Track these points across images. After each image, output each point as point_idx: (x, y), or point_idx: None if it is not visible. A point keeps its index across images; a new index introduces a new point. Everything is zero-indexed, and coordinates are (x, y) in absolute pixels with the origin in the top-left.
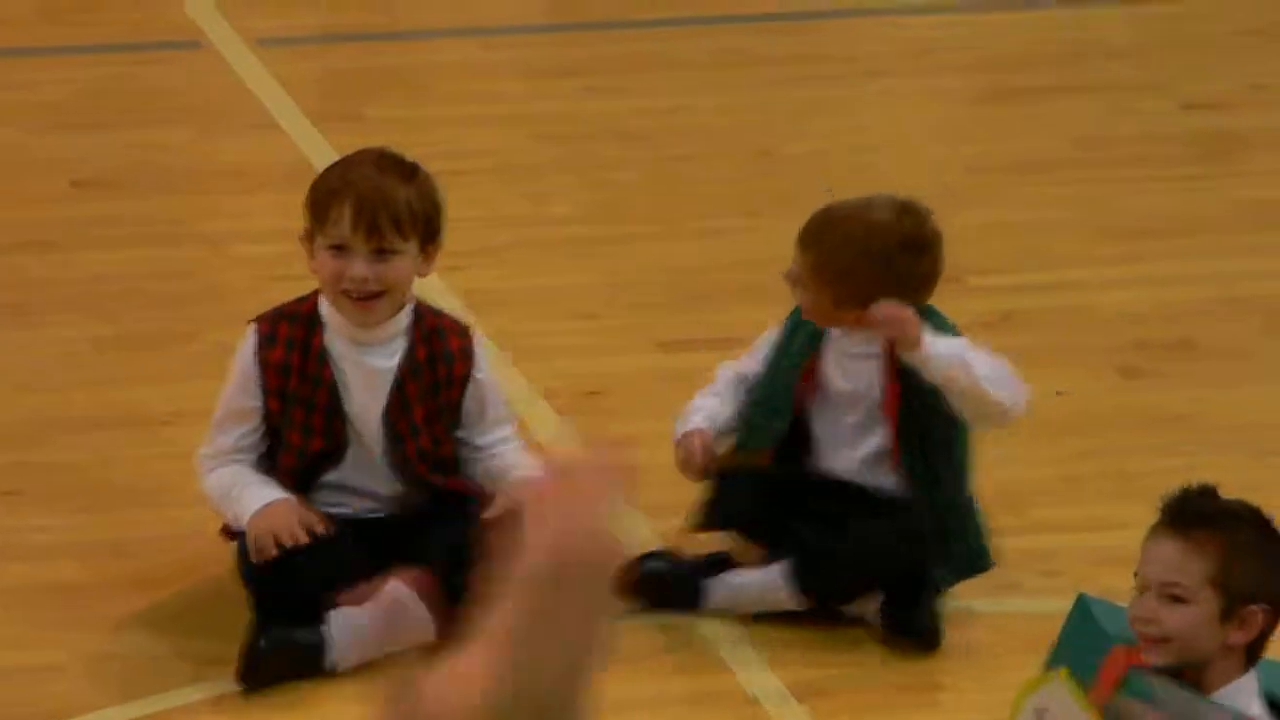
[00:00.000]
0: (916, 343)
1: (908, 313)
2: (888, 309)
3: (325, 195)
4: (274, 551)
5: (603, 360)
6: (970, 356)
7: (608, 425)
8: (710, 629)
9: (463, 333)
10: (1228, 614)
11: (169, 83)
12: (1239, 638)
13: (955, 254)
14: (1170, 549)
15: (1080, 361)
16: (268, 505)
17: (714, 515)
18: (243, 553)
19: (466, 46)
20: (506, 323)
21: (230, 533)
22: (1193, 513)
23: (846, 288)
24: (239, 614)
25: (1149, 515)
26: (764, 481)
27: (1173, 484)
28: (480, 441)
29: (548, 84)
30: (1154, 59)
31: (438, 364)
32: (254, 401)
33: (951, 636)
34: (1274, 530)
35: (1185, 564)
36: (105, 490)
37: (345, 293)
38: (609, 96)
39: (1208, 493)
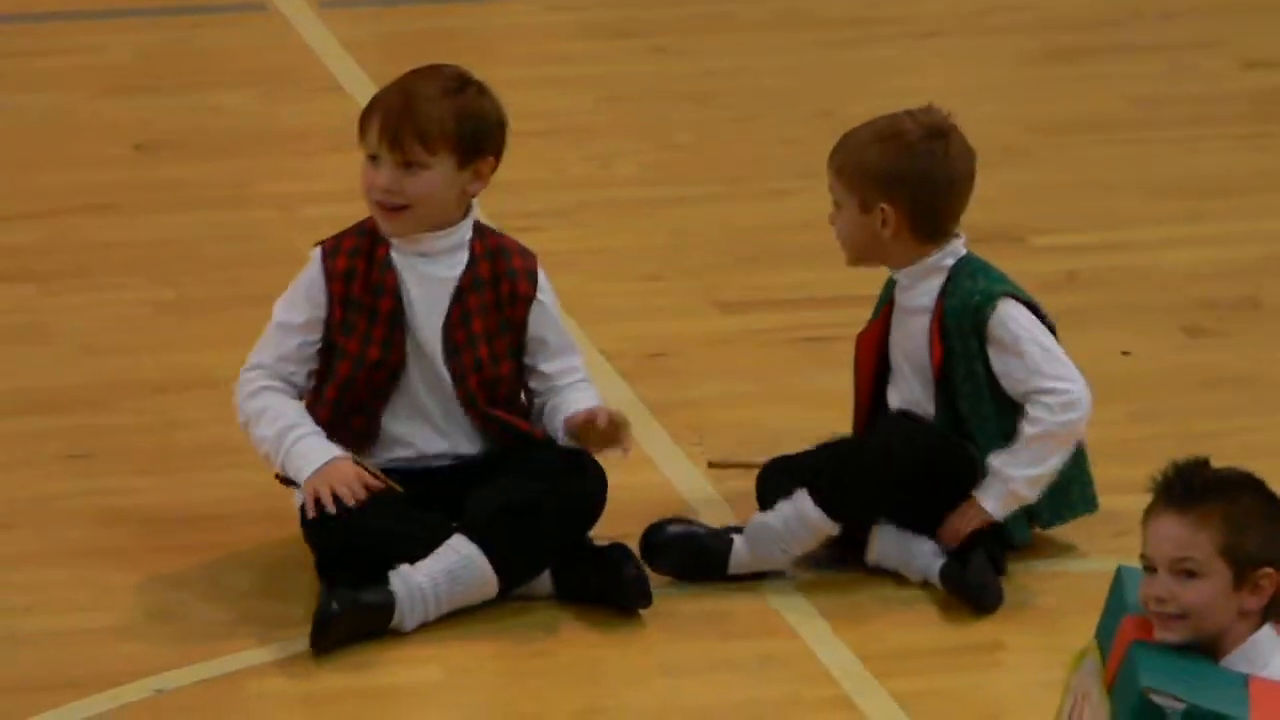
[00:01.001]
0: (989, 519)
1: (965, 524)
2: (950, 532)
3: (368, 107)
4: (333, 509)
5: (665, 322)
6: (1011, 475)
7: (669, 387)
8: (773, 595)
9: (525, 254)
10: (1240, 581)
11: (232, 46)
12: (1253, 603)
13: (1017, 213)
14: (1175, 525)
15: (1144, 321)
16: (327, 463)
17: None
18: (305, 511)
19: (530, 8)
20: (573, 284)
21: (287, 479)
22: (1191, 486)
23: (872, 178)
24: (306, 577)
25: None
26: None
27: (1238, 444)
28: (547, 369)
29: (611, 46)
30: (1212, 18)
31: (500, 281)
32: (318, 311)
33: (1015, 597)
34: (1272, 493)
35: (1193, 538)
36: (170, 453)
37: (377, 203)
38: (672, 58)
39: (1201, 464)
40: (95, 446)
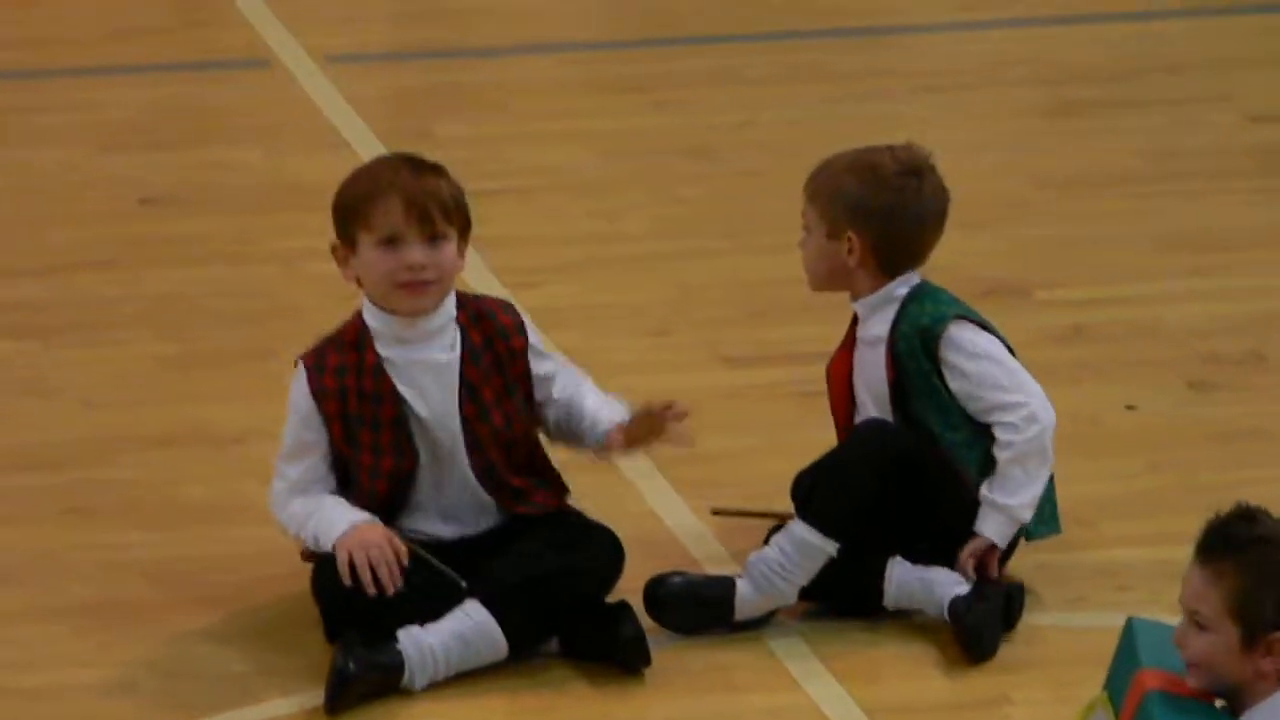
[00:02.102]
0: (996, 548)
1: (977, 555)
2: (965, 563)
3: (362, 199)
4: (367, 574)
5: (670, 376)
6: (1004, 504)
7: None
8: (778, 648)
9: (506, 307)
10: (1250, 642)
11: (237, 102)
12: (1269, 665)
13: (1022, 267)
14: (1195, 576)
15: (1150, 375)
16: (356, 526)
17: None
18: (319, 572)
19: (536, 63)
20: (578, 339)
21: (311, 555)
22: (1221, 540)
23: (842, 206)
24: (310, 632)
25: None
26: None
27: (1244, 497)
28: (559, 394)
29: (617, 100)
30: (1219, 73)
31: (494, 342)
32: (316, 434)
33: (1023, 650)
34: None
35: (1206, 593)
36: (173, 508)
37: (403, 285)
38: (678, 112)
39: (1247, 516)
40: (98, 501)
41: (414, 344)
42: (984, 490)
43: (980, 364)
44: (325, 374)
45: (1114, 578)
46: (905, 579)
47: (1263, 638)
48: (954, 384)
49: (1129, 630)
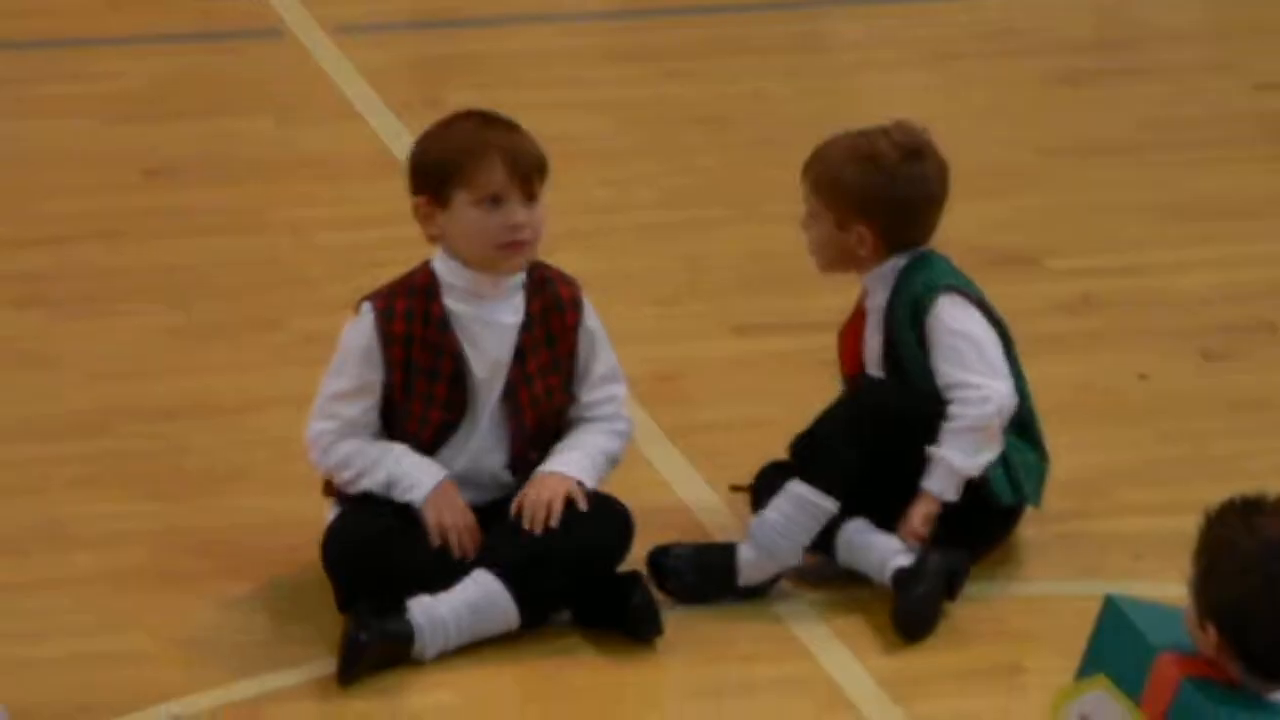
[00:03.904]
0: (938, 502)
1: (919, 523)
2: (908, 527)
3: (461, 156)
4: (456, 538)
5: (681, 345)
6: (950, 461)
7: (685, 410)
8: (790, 618)
9: (570, 282)
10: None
11: (247, 72)
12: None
13: (1032, 237)
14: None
15: (1161, 345)
16: (441, 485)
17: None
18: (330, 541)
19: (547, 32)
20: None
21: (337, 493)
22: (1202, 536)
23: (849, 199)
24: (320, 600)
25: None
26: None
27: (1256, 466)
28: (586, 398)
29: (628, 69)
30: (1223, 41)
31: (550, 314)
32: (377, 375)
33: (1035, 619)
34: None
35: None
36: (180, 479)
37: (505, 245)
38: (689, 81)
39: (1236, 508)
40: (104, 472)
41: (485, 301)
42: (932, 449)
43: (955, 340)
44: (394, 319)
45: (1126, 547)
46: (853, 540)
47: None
48: (931, 355)
49: (1114, 609)
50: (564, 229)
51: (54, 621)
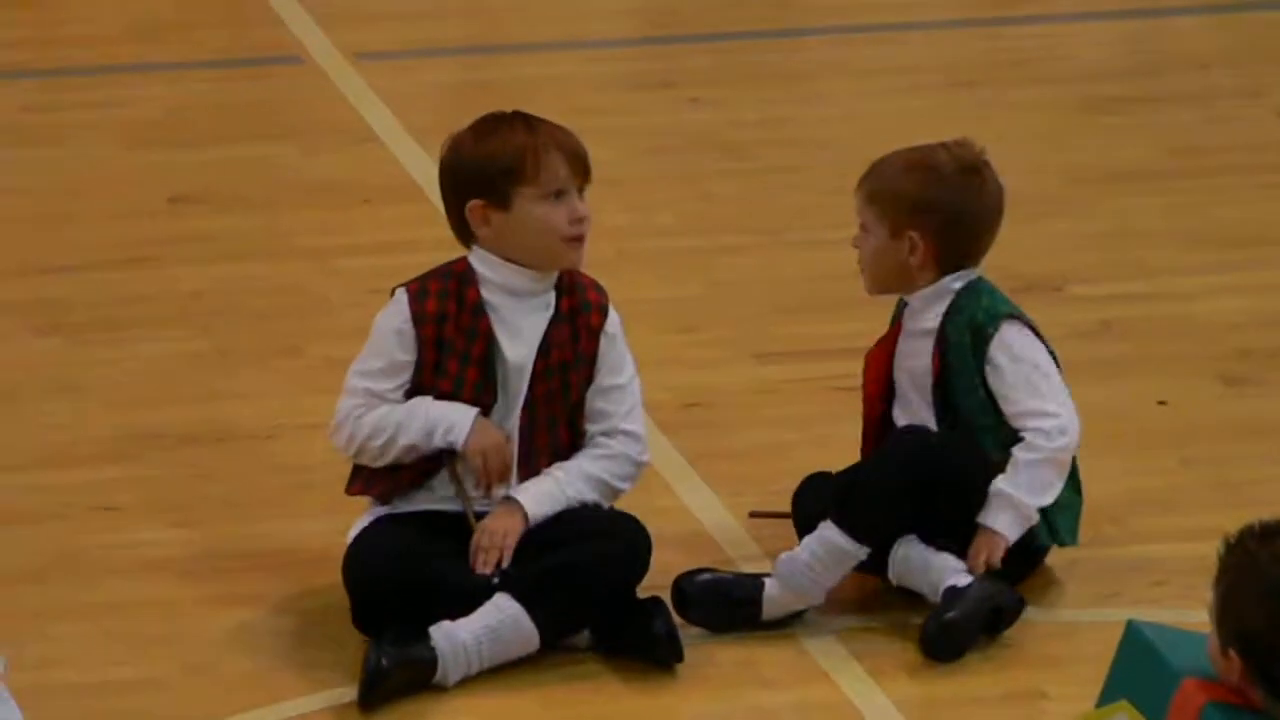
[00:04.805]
0: (1005, 541)
1: (983, 551)
2: (977, 558)
3: (522, 154)
4: (492, 478)
5: (703, 372)
6: (1022, 501)
7: (707, 437)
8: (809, 642)
9: (599, 288)
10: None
11: (269, 98)
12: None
13: (1054, 263)
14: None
15: (1181, 370)
16: (476, 422)
17: (797, 514)
18: (350, 560)
19: (568, 60)
20: None
21: (361, 487)
22: (1222, 562)
23: (904, 204)
24: (341, 626)
25: None
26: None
27: (1275, 493)
28: (594, 405)
29: (649, 96)
30: (1249, 67)
31: (577, 315)
32: (410, 355)
33: (1058, 646)
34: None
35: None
36: (204, 505)
37: (570, 238)
38: (710, 108)
39: (1255, 534)
40: (127, 499)
41: (521, 295)
42: (999, 484)
43: (1023, 368)
44: (427, 299)
45: (1147, 573)
46: (909, 556)
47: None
48: (993, 381)
49: (1136, 634)
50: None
51: (74, 649)
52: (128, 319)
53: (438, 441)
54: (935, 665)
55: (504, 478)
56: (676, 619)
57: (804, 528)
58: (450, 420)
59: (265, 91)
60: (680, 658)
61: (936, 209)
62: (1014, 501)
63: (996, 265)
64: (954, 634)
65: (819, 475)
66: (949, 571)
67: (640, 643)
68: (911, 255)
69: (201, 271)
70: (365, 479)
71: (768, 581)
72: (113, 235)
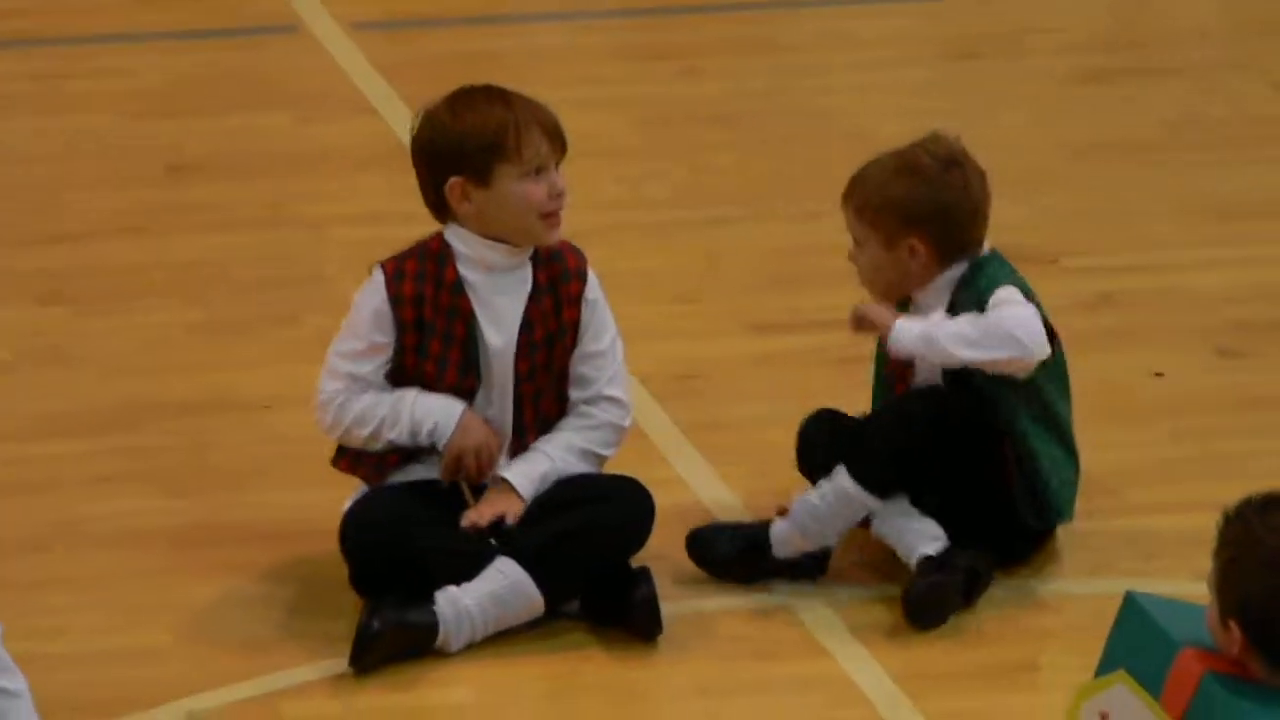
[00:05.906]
0: (887, 331)
1: (876, 309)
2: (861, 308)
3: (504, 131)
4: (472, 470)
5: (697, 344)
6: (938, 333)
7: (702, 408)
8: (807, 616)
9: (577, 252)
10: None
11: (266, 68)
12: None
13: (1050, 235)
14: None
15: (1177, 342)
16: (463, 421)
17: (802, 464)
18: (348, 528)
19: (563, 30)
20: None
21: (349, 466)
22: (1221, 534)
23: (896, 214)
24: (342, 595)
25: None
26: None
27: (1271, 464)
28: (578, 370)
29: (646, 67)
30: (1244, 40)
31: (557, 285)
32: (387, 337)
33: (1050, 618)
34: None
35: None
36: (200, 475)
37: (549, 214)
38: (704, 80)
39: (1255, 506)
40: (126, 469)
41: (498, 271)
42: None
43: (1003, 303)
44: (405, 280)
45: (1140, 545)
46: (892, 518)
47: (1226, 622)
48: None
49: (1134, 606)
50: (578, 227)
51: (74, 618)
52: (126, 288)
53: (423, 440)
54: (929, 638)
55: (488, 460)
56: (671, 591)
57: (810, 465)
58: (435, 418)
59: (263, 61)
60: (660, 628)
61: (929, 211)
62: (929, 320)
63: (992, 238)
64: (932, 598)
65: (827, 413)
66: (925, 538)
67: (621, 610)
68: (913, 260)
69: (199, 241)
70: (351, 457)
71: (777, 520)
72: (111, 204)
